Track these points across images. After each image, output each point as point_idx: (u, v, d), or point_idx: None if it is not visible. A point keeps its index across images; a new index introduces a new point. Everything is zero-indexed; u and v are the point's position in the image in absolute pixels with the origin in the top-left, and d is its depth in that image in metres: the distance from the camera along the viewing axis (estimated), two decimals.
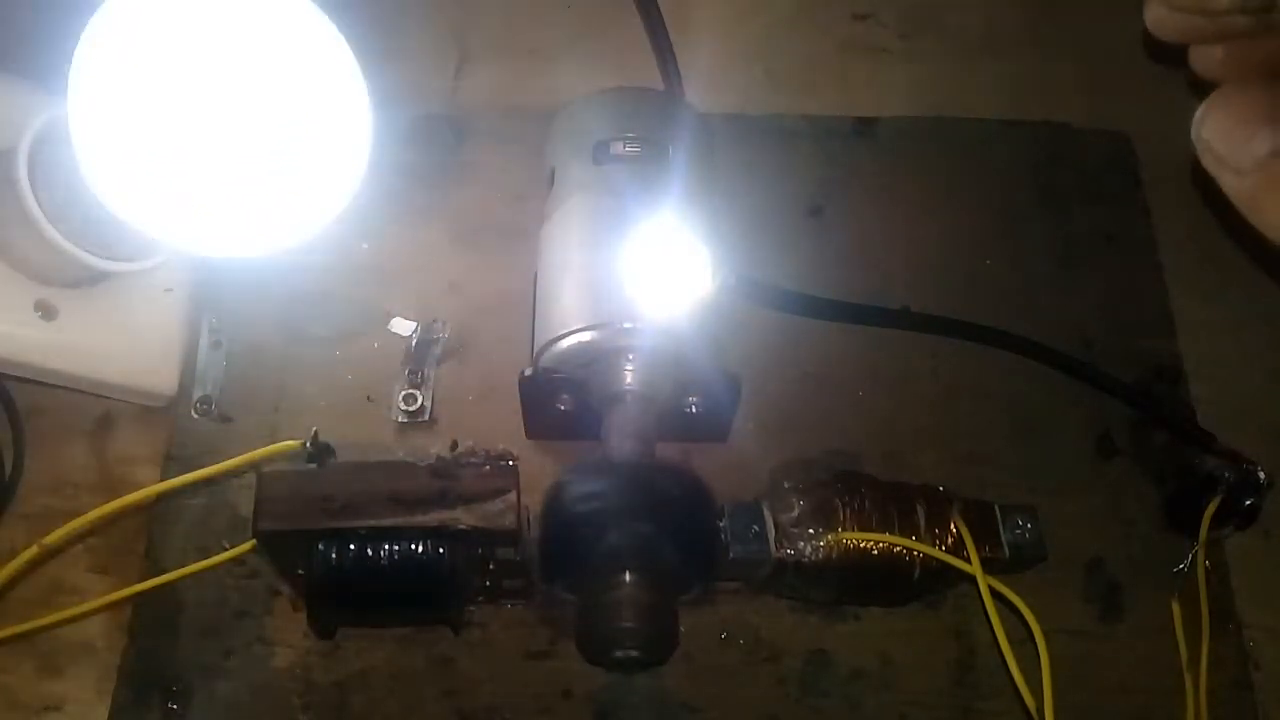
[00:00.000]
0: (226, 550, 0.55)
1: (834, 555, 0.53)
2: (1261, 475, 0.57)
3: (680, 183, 0.57)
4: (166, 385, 0.61)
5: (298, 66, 0.53)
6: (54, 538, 0.52)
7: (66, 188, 0.52)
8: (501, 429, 0.60)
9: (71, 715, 0.55)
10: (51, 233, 0.54)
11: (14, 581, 0.54)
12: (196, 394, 0.61)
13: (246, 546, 0.54)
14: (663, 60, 0.59)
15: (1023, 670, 0.52)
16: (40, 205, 0.53)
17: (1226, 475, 0.57)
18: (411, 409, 0.61)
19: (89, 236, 0.55)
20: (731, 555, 0.53)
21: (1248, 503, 0.57)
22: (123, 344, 0.60)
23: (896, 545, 0.53)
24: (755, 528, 0.53)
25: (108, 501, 0.55)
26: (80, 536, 0.57)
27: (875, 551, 0.53)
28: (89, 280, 0.58)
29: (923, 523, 0.54)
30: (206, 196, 0.51)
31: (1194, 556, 0.58)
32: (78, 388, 0.58)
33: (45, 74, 0.54)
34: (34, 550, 0.53)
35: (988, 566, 0.53)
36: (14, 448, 0.59)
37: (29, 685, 0.55)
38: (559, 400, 0.56)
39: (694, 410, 0.57)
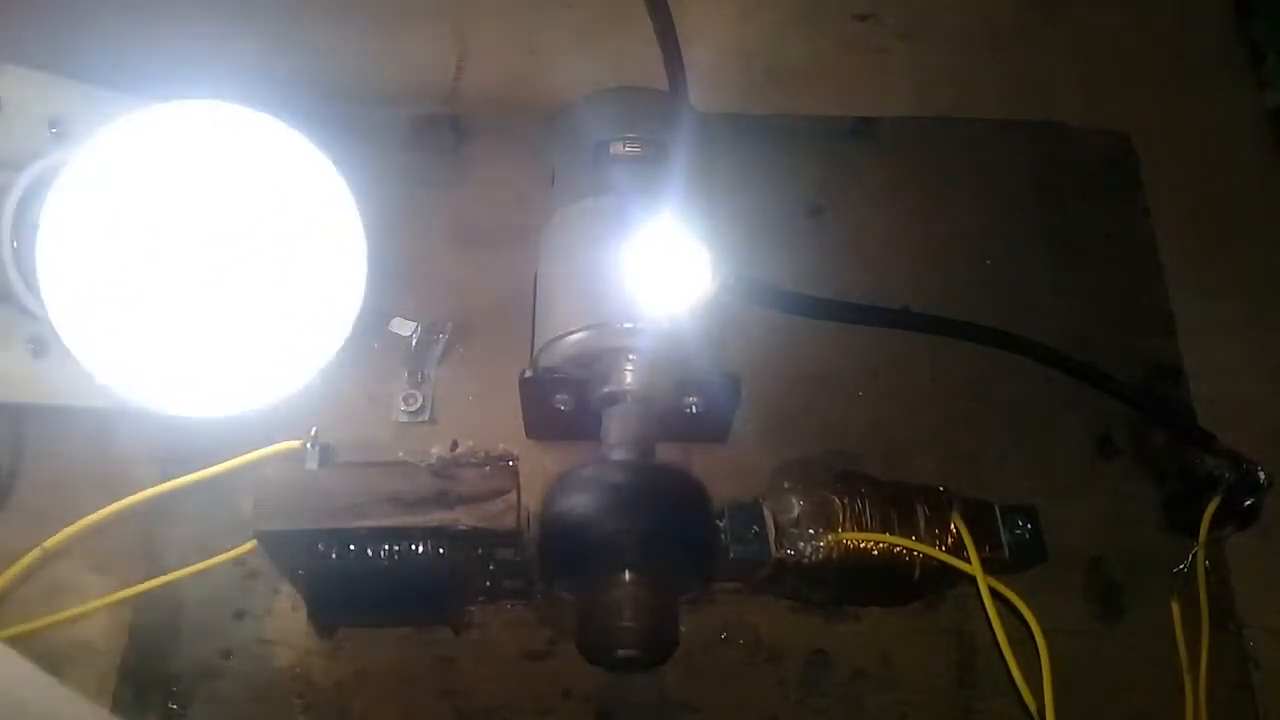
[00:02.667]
0: (228, 551, 0.55)
1: (834, 555, 0.53)
2: (1261, 475, 0.57)
3: (680, 183, 0.57)
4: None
5: (283, 212, 0.51)
6: (55, 541, 0.52)
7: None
8: (501, 429, 0.60)
9: None
10: (24, 294, 0.53)
11: (17, 585, 0.54)
12: None
13: (247, 547, 0.54)
14: (670, 61, 0.59)
15: (1023, 670, 0.52)
16: (19, 268, 0.52)
17: (1226, 475, 0.57)
18: (411, 409, 0.61)
19: None
20: (731, 555, 0.53)
21: (1248, 503, 0.57)
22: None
23: (896, 545, 0.53)
24: (755, 528, 0.53)
25: (108, 502, 0.55)
26: (81, 538, 0.57)
27: (875, 551, 0.53)
28: None
29: (923, 523, 0.54)
30: (179, 355, 0.50)
31: (1194, 556, 0.58)
32: (71, 415, 0.58)
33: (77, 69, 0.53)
34: (36, 553, 0.53)
35: (988, 566, 0.53)
36: (11, 447, 0.59)
37: None
38: (559, 400, 0.56)
39: (694, 410, 0.57)
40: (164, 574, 0.55)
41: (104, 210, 0.48)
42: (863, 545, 0.53)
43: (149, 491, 0.56)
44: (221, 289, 0.50)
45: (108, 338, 0.49)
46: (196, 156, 0.49)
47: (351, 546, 0.49)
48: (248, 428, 0.60)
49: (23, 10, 0.70)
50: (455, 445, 0.51)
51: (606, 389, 0.53)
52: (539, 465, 0.60)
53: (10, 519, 0.58)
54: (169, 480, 0.57)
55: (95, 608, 0.55)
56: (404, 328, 0.62)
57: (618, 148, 0.58)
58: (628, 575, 0.49)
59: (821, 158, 0.71)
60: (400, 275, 0.65)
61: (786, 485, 0.55)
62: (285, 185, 0.51)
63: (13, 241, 0.52)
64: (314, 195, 0.52)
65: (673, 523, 0.50)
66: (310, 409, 0.60)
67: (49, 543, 0.53)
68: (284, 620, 0.56)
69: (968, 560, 0.53)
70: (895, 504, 0.55)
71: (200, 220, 0.49)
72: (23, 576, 0.54)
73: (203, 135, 0.49)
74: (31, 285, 0.52)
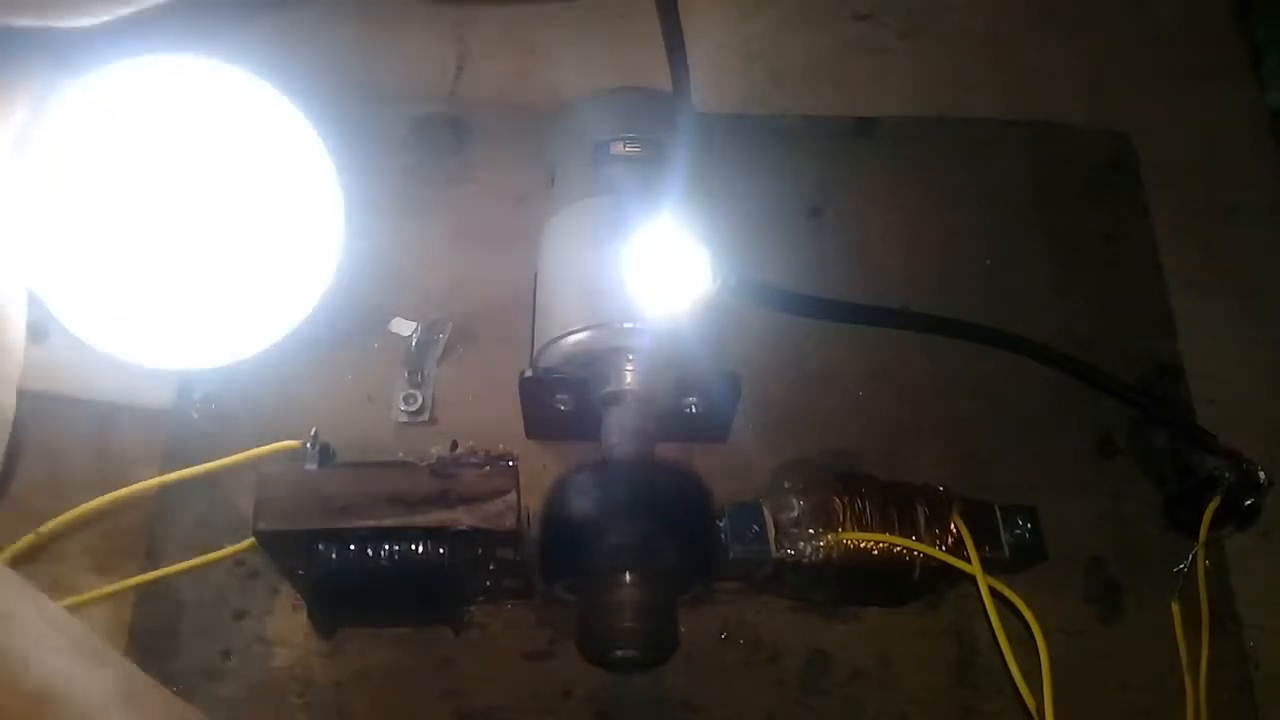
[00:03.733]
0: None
1: (834, 555, 0.53)
2: (1261, 475, 0.57)
3: (680, 183, 0.57)
4: (162, 398, 0.61)
5: (258, 168, 0.51)
6: (51, 526, 0.52)
7: None
8: (501, 429, 0.60)
9: None
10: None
11: (12, 567, 0.53)
12: (196, 394, 0.61)
13: (246, 544, 0.54)
14: (674, 61, 0.59)
15: (1023, 670, 0.53)
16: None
17: (1226, 475, 0.57)
18: (411, 409, 0.61)
19: None
20: (731, 555, 0.53)
21: (1248, 503, 0.57)
22: (114, 362, 0.59)
23: (896, 545, 0.53)
24: (755, 527, 0.53)
25: (107, 501, 0.55)
26: (79, 527, 0.57)
27: (875, 551, 0.53)
28: None
29: (923, 523, 0.54)
30: (156, 308, 0.50)
31: (1194, 556, 0.58)
32: (70, 404, 0.58)
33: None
34: (31, 538, 0.52)
35: (988, 566, 0.53)
36: (11, 431, 0.59)
37: None
38: (559, 400, 0.56)
39: (694, 410, 0.57)
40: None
41: (74, 164, 0.47)
42: (863, 545, 0.53)
43: (149, 482, 0.56)
44: (196, 242, 0.50)
45: (84, 291, 0.49)
46: (166, 111, 0.49)
47: (351, 546, 0.49)
48: (248, 428, 0.60)
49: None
50: (455, 445, 0.51)
51: (606, 389, 0.53)
52: (539, 465, 0.60)
53: (10, 519, 0.58)
54: (169, 473, 0.57)
55: (92, 598, 0.55)
56: (404, 328, 0.62)
57: (618, 148, 0.58)
58: (628, 575, 0.49)
59: (821, 158, 0.71)
60: (400, 275, 0.65)
61: (786, 485, 0.55)
62: (257, 137, 0.51)
63: None
64: (286, 147, 0.52)
65: (673, 523, 0.51)
66: (310, 409, 0.61)
67: (45, 527, 0.53)
68: (284, 620, 0.56)
69: (968, 560, 0.53)
70: (895, 504, 0.55)
71: (172, 174, 0.49)
72: (17, 561, 0.53)
73: (172, 89, 0.49)
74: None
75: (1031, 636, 0.53)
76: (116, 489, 0.57)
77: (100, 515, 0.57)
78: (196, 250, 0.50)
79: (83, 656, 0.40)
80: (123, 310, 0.50)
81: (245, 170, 0.50)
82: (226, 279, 0.51)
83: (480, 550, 0.51)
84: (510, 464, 0.50)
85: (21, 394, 0.59)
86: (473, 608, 0.57)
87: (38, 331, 0.56)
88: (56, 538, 0.56)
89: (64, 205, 0.47)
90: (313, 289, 0.54)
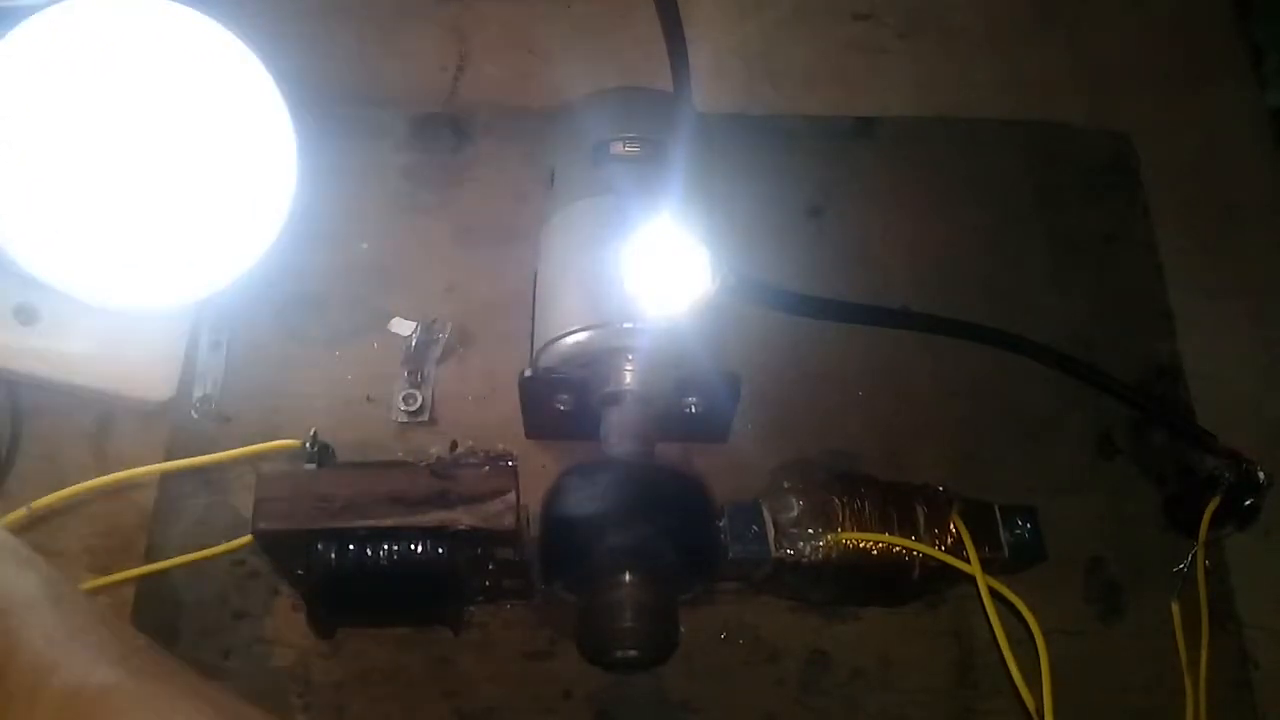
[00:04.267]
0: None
1: (833, 555, 0.53)
2: (1261, 475, 0.57)
3: (680, 183, 0.57)
4: (160, 390, 0.60)
5: (212, 105, 0.51)
6: (43, 502, 0.52)
7: None
8: (501, 429, 0.60)
9: None
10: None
11: None
12: (196, 394, 0.61)
13: (244, 540, 0.54)
14: (675, 60, 0.59)
15: (1023, 670, 0.52)
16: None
17: (1226, 475, 0.57)
18: (411, 409, 0.61)
19: None
20: (731, 555, 0.53)
21: (1248, 503, 0.57)
22: (112, 349, 0.59)
23: (896, 545, 0.53)
24: (755, 528, 0.53)
25: (107, 502, 0.55)
26: (78, 525, 0.57)
27: (875, 551, 0.53)
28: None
29: (922, 523, 0.54)
30: (113, 245, 0.50)
31: (1194, 556, 0.58)
32: (63, 391, 0.58)
33: None
34: (22, 512, 0.52)
35: (987, 566, 0.53)
36: (10, 427, 0.59)
37: None
38: (559, 400, 0.56)
39: (694, 410, 0.57)
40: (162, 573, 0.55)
41: (26, 106, 0.47)
42: (862, 545, 0.53)
43: (148, 469, 0.56)
44: (150, 182, 0.50)
45: (43, 235, 0.49)
46: (115, 49, 0.49)
47: (351, 546, 0.49)
48: (247, 428, 0.60)
49: None
50: (455, 445, 0.51)
51: (606, 389, 0.53)
52: (539, 465, 0.60)
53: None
54: (169, 462, 0.57)
55: (91, 588, 0.55)
56: (404, 328, 0.62)
57: (618, 148, 0.58)
58: (627, 575, 0.49)
59: (821, 158, 0.71)
60: (400, 275, 0.65)
61: (786, 485, 0.55)
62: (207, 75, 0.51)
63: None
64: (237, 85, 0.52)
65: (673, 523, 0.51)
66: (310, 409, 0.61)
67: (36, 503, 0.53)
68: (284, 620, 0.56)
69: (967, 560, 0.53)
70: (895, 504, 0.55)
71: (124, 113, 0.49)
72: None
73: (121, 27, 0.49)
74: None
75: (1031, 636, 0.53)
76: (116, 489, 0.57)
77: (99, 514, 0.57)
78: (152, 188, 0.50)
79: (7, 558, 0.41)
80: (87, 253, 0.50)
81: (193, 106, 0.51)
82: (184, 216, 0.51)
83: (480, 550, 0.51)
84: (510, 464, 0.50)
85: (14, 384, 0.59)
86: (473, 608, 0.57)
87: (27, 314, 0.56)
88: (55, 536, 0.56)
89: (18, 155, 0.48)
90: (268, 227, 0.54)
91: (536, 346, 0.56)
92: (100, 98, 0.48)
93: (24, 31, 0.47)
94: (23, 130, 0.47)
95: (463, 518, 0.49)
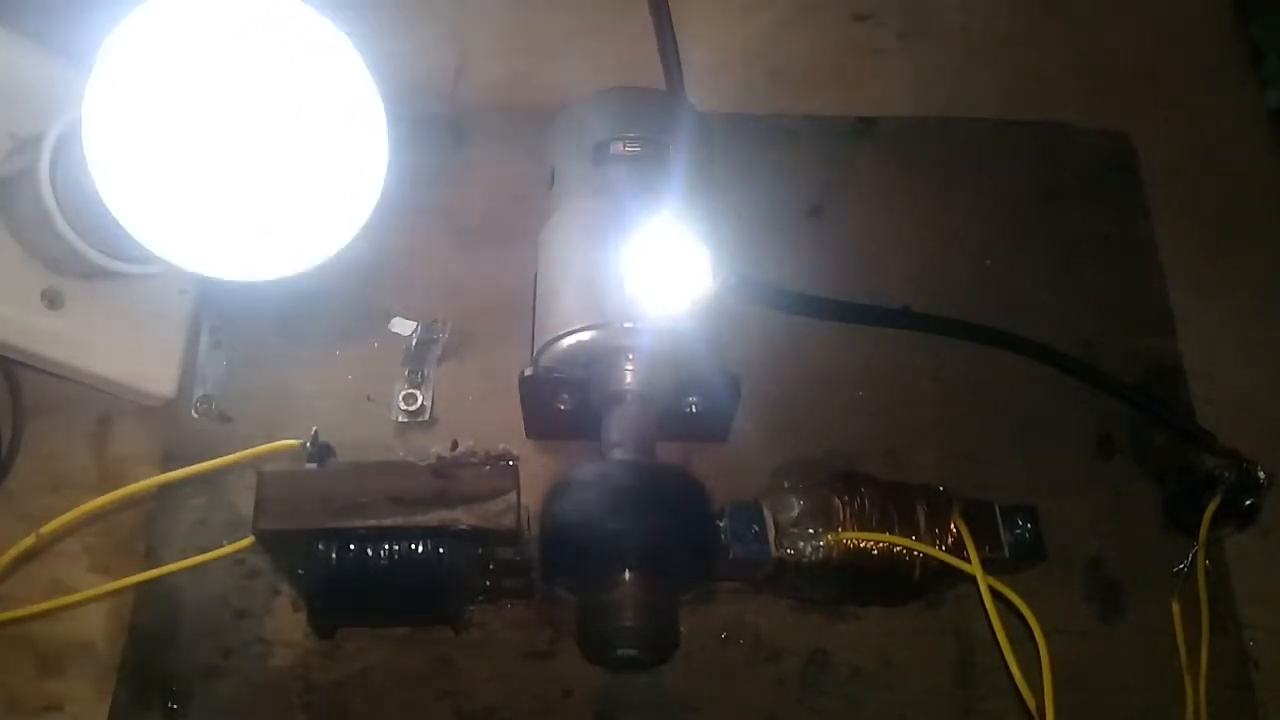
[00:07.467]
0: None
1: (834, 555, 0.53)
2: (1261, 475, 0.57)
3: (680, 183, 0.57)
4: (165, 386, 0.61)
5: (312, 86, 0.52)
6: (52, 527, 0.52)
7: (83, 186, 0.52)
8: (501, 429, 0.60)
9: (71, 715, 0.55)
10: (64, 228, 0.54)
11: (12, 570, 0.54)
12: (196, 394, 0.61)
13: (245, 543, 0.54)
14: (666, 59, 0.59)
15: (1023, 670, 0.52)
16: (57, 199, 0.54)
17: (1226, 475, 0.57)
18: (411, 409, 0.61)
19: (102, 236, 0.54)
20: (731, 555, 0.53)
21: (1248, 503, 0.57)
22: (125, 341, 0.60)
23: (896, 545, 0.53)
24: (755, 528, 0.53)
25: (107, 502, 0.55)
26: (78, 527, 0.57)
27: (875, 551, 0.53)
28: (101, 274, 0.57)
29: (923, 523, 0.54)
30: (218, 216, 0.51)
31: (1194, 556, 0.58)
32: (75, 379, 0.58)
33: (88, 54, 0.54)
34: (31, 540, 0.52)
35: (988, 566, 0.53)
36: (13, 421, 0.59)
37: (29, 685, 0.55)
38: (559, 400, 0.56)
39: (694, 410, 0.57)
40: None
41: (149, 78, 0.49)
42: (863, 545, 0.53)
43: (149, 483, 0.56)
44: (254, 161, 0.51)
45: (156, 210, 0.50)
46: (221, 36, 0.50)
47: (351, 546, 0.49)
48: (248, 428, 0.60)
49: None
50: (455, 445, 0.51)
51: (607, 389, 0.53)
52: (539, 465, 0.60)
53: (9, 519, 0.58)
54: (169, 473, 0.57)
55: (91, 597, 0.55)
56: (404, 328, 0.62)
57: (618, 147, 0.58)
58: (628, 575, 0.49)
59: (821, 158, 0.71)
60: (400, 275, 0.65)
61: (786, 485, 0.55)
62: (307, 61, 0.53)
63: (50, 177, 0.53)
64: (334, 70, 0.54)
65: (673, 523, 0.51)
66: (310, 409, 0.61)
67: (45, 529, 0.53)
68: (284, 620, 0.56)
69: (968, 560, 0.53)
70: (895, 503, 0.54)
71: (230, 96, 0.50)
72: (17, 563, 0.53)
73: (223, 16, 0.51)
74: (70, 218, 0.54)
75: (1031, 636, 0.53)
76: (115, 488, 0.57)
77: (100, 515, 0.57)
78: (254, 166, 0.51)
79: None
80: (193, 224, 0.52)
81: (293, 90, 0.52)
82: (282, 193, 0.52)
83: (480, 550, 0.51)
84: (510, 464, 0.50)
85: (17, 383, 0.59)
86: (473, 608, 0.57)
87: (53, 299, 0.56)
88: (56, 538, 0.56)
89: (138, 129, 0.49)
90: (362, 205, 0.55)
91: (536, 346, 0.56)
92: (213, 79, 0.50)
93: (142, 13, 0.49)
94: (144, 110, 0.49)
95: (463, 517, 0.49)
